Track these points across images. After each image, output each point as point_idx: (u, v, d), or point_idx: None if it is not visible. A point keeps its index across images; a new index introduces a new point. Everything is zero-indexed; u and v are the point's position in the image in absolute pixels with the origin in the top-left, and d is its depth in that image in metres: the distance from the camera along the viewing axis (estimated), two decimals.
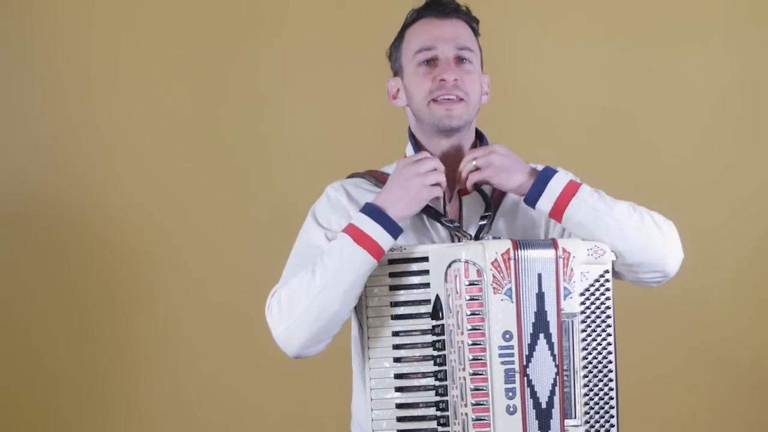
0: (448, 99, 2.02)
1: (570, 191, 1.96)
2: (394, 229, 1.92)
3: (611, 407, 1.90)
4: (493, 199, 2.07)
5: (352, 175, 2.16)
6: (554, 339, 1.88)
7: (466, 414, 1.85)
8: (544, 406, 1.87)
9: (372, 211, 1.92)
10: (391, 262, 1.94)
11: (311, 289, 1.91)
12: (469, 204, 2.07)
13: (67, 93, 3.34)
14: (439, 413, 1.90)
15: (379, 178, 2.10)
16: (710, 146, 3.44)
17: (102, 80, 3.35)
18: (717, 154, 3.44)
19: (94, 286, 3.33)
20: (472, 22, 2.14)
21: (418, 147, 2.11)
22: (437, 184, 1.95)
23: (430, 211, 2.03)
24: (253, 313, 3.23)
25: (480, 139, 2.15)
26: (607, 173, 3.36)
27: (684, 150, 3.43)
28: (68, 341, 3.32)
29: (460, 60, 2.06)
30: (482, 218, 2.03)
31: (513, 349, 1.86)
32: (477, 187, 2.04)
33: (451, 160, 2.06)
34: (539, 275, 1.88)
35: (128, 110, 3.35)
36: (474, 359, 1.85)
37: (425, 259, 1.92)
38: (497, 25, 3.30)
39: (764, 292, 3.44)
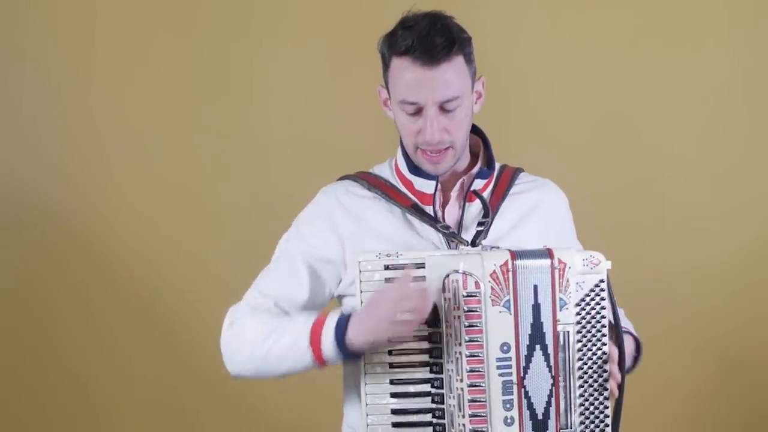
0: (435, 152, 2.00)
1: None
2: (346, 354, 1.91)
3: (606, 416, 1.92)
4: (491, 204, 2.06)
5: (342, 178, 2.14)
6: (550, 350, 1.89)
7: (464, 425, 1.87)
8: (540, 417, 1.89)
9: (338, 327, 1.91)
10: (387, 267, 1.93)
11: (255, 351, 1.98)
12: (470, 210, 2.06)
13: (63, 94, 3.33)
14: (435, 420, 1.92)
15: (371, 182, 2.10)
16: (712, 144, 3.44)
17: (98, 82, 3.33)
18: (719, 152, 3.44)
19: (92, 285, 3.34)
20: (464, 47, 2.00)
21: (407, 158, 2.08)
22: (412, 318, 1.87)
23: (423, 217, 2.03)
24: None
25: (484, 141, 2.13)
26: (607, 173, 3.38)
27: (685, 148, 3.43)
28: (67, 342, 3.33)
29: (446, 106, 1.97)
30: (479, 224, 2.03)
31: (511, 360, 1.87)
32: (477, 194, 2.04)
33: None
34: (535, 286, 1.89)
35: (125, 112, 3.33)
36: (472, 371, 1.86)
37: (421, 265, 1.92)
38: (496, 22, 3.28)
39: (765, 289, 3.46)
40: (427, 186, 2.06)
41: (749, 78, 3.44)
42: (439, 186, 2.06)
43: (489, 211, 2.04)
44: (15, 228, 3.33)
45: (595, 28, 3.41)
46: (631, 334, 2.07)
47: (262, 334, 1.98)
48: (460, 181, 2.08)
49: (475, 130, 2.12)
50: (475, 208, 2.06)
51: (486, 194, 2.08)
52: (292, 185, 3.18)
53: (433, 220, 2.03)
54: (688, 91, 3.43)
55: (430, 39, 1.93)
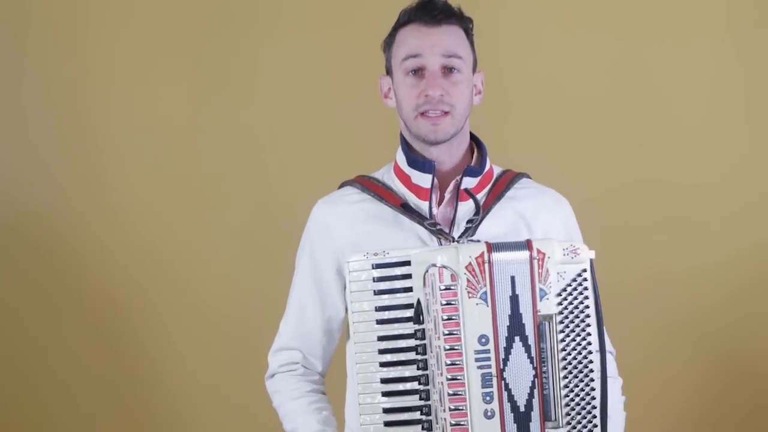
0: (435, 114, 2.03)
1: None
2: None
3: (593, 407, 1.87)
4: (484, 204, 2.06)
5: (343, 184, 2.18)
6: (531, 341, 1.86)
7: (445, 419, 1.86)
8: (522, 409, 1.85)
9: None
10: (375, 266, 1.95)
11: (278, 411, 2.17)
12: (461, 209, 2.07)
13: (60, 95, 3.35)
14: (423, 417, 1.91)
15: (365, 184, 2.13)
16: (712, 146, 3.34)
17: (96, 84, 3.34)
18: (719, 154, 3.34)
19: (86, 289, 3.36)
20: (465, 23, 2.11)
21: (409, 151, 2.11)
22: None
23: (412, 215, 2.04)
24: (246, 317, 3.28)
25: (478, 145, 2.14)
26: (605, 175, 3.31)
27: (685, 149, 3.34)
28: (64, 345, 3.35)
29: (448, 70, 2.04)
30: (469, 221, 2.03)
31: (489, 353, 1.85)
32: (468, 192, 2.04)
33: (443, 165, 2.08)
34: (512, 277, 1.86)
35: (120, 113, 3.34)
36: (451, 364, 1.85)
37: (407, 263, 1.93)
38: (494, 20, 3.24)
39: (761, 288, 3.34)
40: (424, 180, 2.07)
41: (751, 81, 3.33)
42: (436, 182, 2.07)
43: (480, 209, 2.03)
44: (9, 229, 3.34)
45: (595, 29, 3.35)
46: None
47: (281, 410, 2.16)
48: (454, 181, 2.08)
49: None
50: (467, 207, 2.07)
51: (482, 194, 2.09)
52: (290, 189, 3.20)
53: (421, 218, 2.04)
54: (689, 92, 3.34)
55: (431, 5, 2.06)
